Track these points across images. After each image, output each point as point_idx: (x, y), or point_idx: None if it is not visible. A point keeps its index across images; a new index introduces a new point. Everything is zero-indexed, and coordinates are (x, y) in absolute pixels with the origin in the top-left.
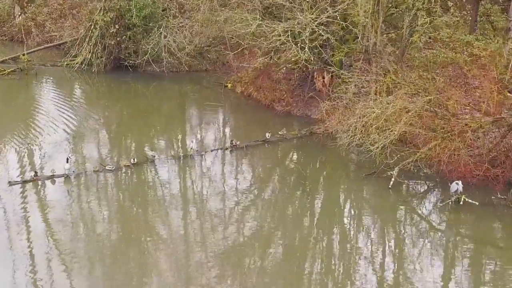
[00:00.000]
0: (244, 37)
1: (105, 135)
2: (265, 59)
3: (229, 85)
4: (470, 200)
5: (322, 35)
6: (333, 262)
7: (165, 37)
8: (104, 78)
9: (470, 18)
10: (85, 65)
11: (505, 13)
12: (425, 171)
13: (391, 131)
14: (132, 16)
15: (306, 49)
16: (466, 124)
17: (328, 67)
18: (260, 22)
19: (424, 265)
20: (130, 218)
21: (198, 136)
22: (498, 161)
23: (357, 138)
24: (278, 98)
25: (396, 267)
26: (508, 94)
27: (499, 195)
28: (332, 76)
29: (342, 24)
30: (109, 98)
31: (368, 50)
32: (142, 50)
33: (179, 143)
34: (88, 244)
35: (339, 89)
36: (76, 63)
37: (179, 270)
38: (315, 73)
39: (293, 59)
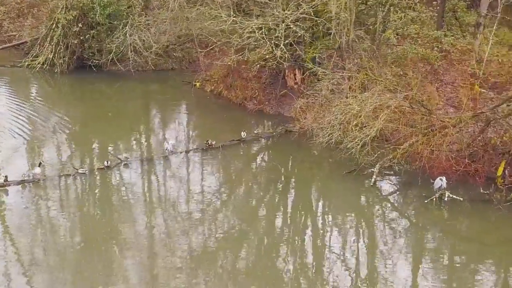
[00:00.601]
0: (215, 34)
1: (70, 138)
2: (238, 57)
3: (198, 84)
4: (454, 196)
5: (297, 32)
6: (308, 262)
7: (130, 35)
8: (67, 78)
9: (437, 14)
10: (47, 65)
11: (471, 9)
12: (406, 167)
13: (371, 127)
14: (95, 14)
15: (282, 46)
16: (447, 119)
17: (304, 64)
18: (235, 18)
19: (407, 263)
20: (102, 222)
21: (172, 136)
22: (477, 156)
23: (336, 136)
24: (250, 96)
25: (378, 265)
26: (480, 90)
27: (481, 190)
28: (303, 73)
29: (317, 20)
30: (72, 99)
31: (341, 47)
32: (106, 49)
33: (153, 144)
34: (53, 250)
35: (313, 87)
36: (38, 64)
37: (146, 276)
38: (287, 71)
39: (267, 56)
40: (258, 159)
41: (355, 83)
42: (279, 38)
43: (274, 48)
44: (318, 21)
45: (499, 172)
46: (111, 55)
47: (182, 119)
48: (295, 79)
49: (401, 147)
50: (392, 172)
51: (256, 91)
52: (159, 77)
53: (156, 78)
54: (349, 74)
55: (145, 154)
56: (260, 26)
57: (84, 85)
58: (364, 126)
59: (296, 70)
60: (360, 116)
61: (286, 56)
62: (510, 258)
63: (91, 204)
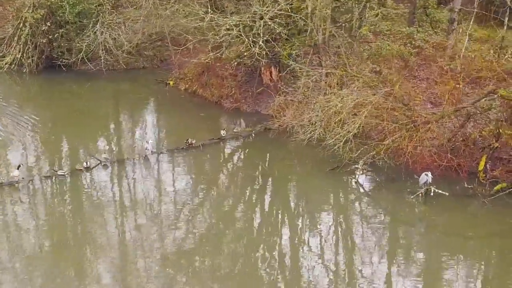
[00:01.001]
0: (190, 32)
1: (41, 139)
2: (216, 54)
3: (171, 83)
4: (440, 191)
5: (275, 29)
6: (288, 260)
7: (101, 34)
8: (36, 78)
9: (408, 10)
10: (15, 65)
11: (441, 5)
12: (389, 163)
13: (353, 124)
14: (64, 13)
15: (261, 42)
16: (429, 115)
17: (281, 61)
18: (212, 15)
19: (390, 259)
20: (83, 224)
21: (150, 136)
22: (459, 151)
23: (317, 133)
24: (226, 94)
25: (359, 262)
26: (456, 85)
27: (466, 185)
28: (279, 71)
29: (294, 17)
30: (42, 99)
31: (318, 44)
32: (76, 48)
33: (131, 145)
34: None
35: (290, 84)
36: (5, 64)
37: (122, 279)
38: (262, 69)
39: (245, 53)
40: (239, 158)
41: (334, 79)
42: (257, 35)
43: (252, 45)
44: (295, 18)
45: (481, 167)
46: (81, 54)
47: (158, 118)
48: (271, 76)
49: (384, 143)
50: (375, 169)
51: (232, 89)
52: (130, 76)
53: (128, 77)
54: (328, 71)
55: (125, 155)
56: (237, 23)
57: (53, 85)
58: (346, 123)
59: (272, 68)
60: (342, 113)
61: (264, 53)
62: (495, 251)
63: (74, 206)
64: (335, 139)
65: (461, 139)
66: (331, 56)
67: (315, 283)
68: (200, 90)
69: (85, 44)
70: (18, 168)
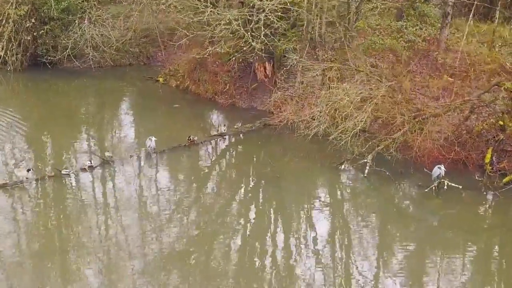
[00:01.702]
0: (182, 27)
1: (28, 138)
2: (215, 49)
3: (161, 80)
4: (453, 184)
5: (275, 23)
6: (295, 253)
7: (88, 30)
8: (21, 76)
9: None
10: None
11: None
12: (397, 157)
13: (361, 117)
14: (49, 9)
15: (262, 36)
16: (438, 107)
17: (286, 55)
18: (212, 10)
19: (406, 253)
20: (98, 223)
21: (144, 134)
22: (466, 144)
23: (323, 128)
24: (220, 90)
25: (384, 257)
26: (448, 78)
27: (476, 177)
28: (274, 66)
29: (291, 10)
30: (27, 97)
31: (314, 38)
32: (61, 46)
33: (133, 142)
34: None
35: (285, 79)
36: None
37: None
38: (256, 64)
39: (245, 48)
40: (244, 154)
41: (335, 74)
42: (256, 29)
43: (251, 40)
44: (293, 11)
45: (487, 159)
46: (67, 51)
47: (154, 115)
48: (266, 72)
49: (392, 136)
50: (382, 163)
51: (227, 85)
52: (118, 73)
53: (115, 74)
54: (331, 65)
55: (123, 154)
56: (236, 17)
57: (39, 83)
58: (352, 117)
59: (266, 63)
60: (348, 107)
61: (263, 48)
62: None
63: (85, 203)
64: (341, 133)
65: (465, 131)
66: (328, 51)
67: (322, 279)
68: (193, 87)
69: (71, 41)
70: (28, 171)
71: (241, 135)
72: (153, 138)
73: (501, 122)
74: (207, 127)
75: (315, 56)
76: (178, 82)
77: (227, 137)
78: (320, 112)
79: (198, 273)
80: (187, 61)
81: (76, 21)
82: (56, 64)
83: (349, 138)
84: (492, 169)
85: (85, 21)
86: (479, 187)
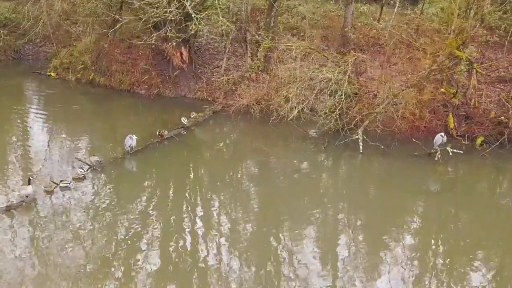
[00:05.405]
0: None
1: None
2: (159, 34)
3: (53, 74)
4: (455, 150)
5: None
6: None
7: None
8: None
9: None
10: None
11: None
12: (380, 132)
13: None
14: None
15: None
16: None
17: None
18: None
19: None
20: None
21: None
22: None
23: (298, 109)
24: (138, 81)
25: (398, 235)
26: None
27: (463, 142)
28: (189, 50)
29: None
30: None
31: (241, 18)
32: None
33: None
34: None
35: (202, 64)
36: None
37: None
38: (171, 50)
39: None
40: (224, 140)
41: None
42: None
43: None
44: None
45: (451, 124)
46: None
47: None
48: (182, 58)
49: (376, 111)
50: (372, 139)
51: (144, 74)
52: None
53: None
54: (301, 44)
55: (102, 156)
56: None
57: None
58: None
59: (182, 48)
60: (332, 84)
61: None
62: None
63: (110, 216)
64: (323, 112)
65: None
66: (257, 31)
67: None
68: (101, 79)
69: None
70: (29, 183)
71: (203, 123)
72: (134, 137)
73: (442, 89)
74: (155, 121)
75: (244, 38)
76: (79, 75)
77: (189, 128)
78: (293, 93)
79: None
80: (86, 51)
81: None
82: None
83: (335, 114)
84: (457, 133)
85: None
86: (464, 150)
